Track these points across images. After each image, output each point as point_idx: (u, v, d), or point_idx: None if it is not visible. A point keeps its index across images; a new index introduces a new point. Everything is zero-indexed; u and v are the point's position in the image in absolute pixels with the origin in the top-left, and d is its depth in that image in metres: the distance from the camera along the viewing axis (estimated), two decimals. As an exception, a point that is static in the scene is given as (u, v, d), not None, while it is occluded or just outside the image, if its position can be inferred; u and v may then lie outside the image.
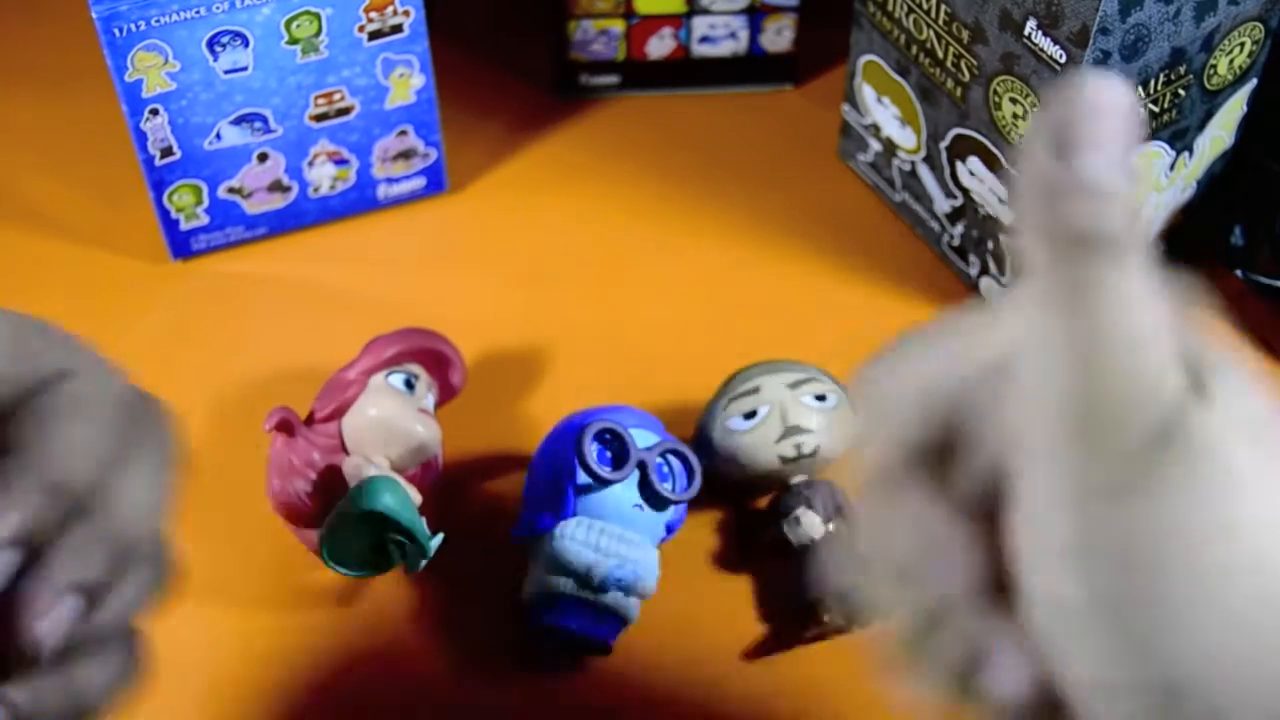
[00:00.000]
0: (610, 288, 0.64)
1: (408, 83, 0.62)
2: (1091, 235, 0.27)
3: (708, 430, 0.55)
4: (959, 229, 0.63)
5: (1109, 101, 0.27)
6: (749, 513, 0.57)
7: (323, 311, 0.63)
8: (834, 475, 0.56)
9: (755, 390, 0.55)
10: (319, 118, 0.62)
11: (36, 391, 0.31)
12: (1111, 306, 0.27)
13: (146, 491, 0.32)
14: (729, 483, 0.56)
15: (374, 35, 0.60)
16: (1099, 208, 0.27)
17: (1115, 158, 0.27)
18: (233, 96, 0.59)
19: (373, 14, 0.59)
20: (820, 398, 0.55)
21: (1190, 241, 0.65)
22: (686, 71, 0.71)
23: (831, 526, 0.53)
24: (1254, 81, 0.60)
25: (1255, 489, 0.26)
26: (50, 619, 0.30)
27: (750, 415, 0.54)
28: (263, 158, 0.62)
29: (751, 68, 0.71)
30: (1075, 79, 0.27)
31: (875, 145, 0.66)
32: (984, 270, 0.62)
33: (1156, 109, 0.56)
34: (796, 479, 0.54)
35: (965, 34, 0.56)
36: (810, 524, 0.53)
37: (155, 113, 0.59)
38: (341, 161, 0.64)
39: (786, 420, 0.54)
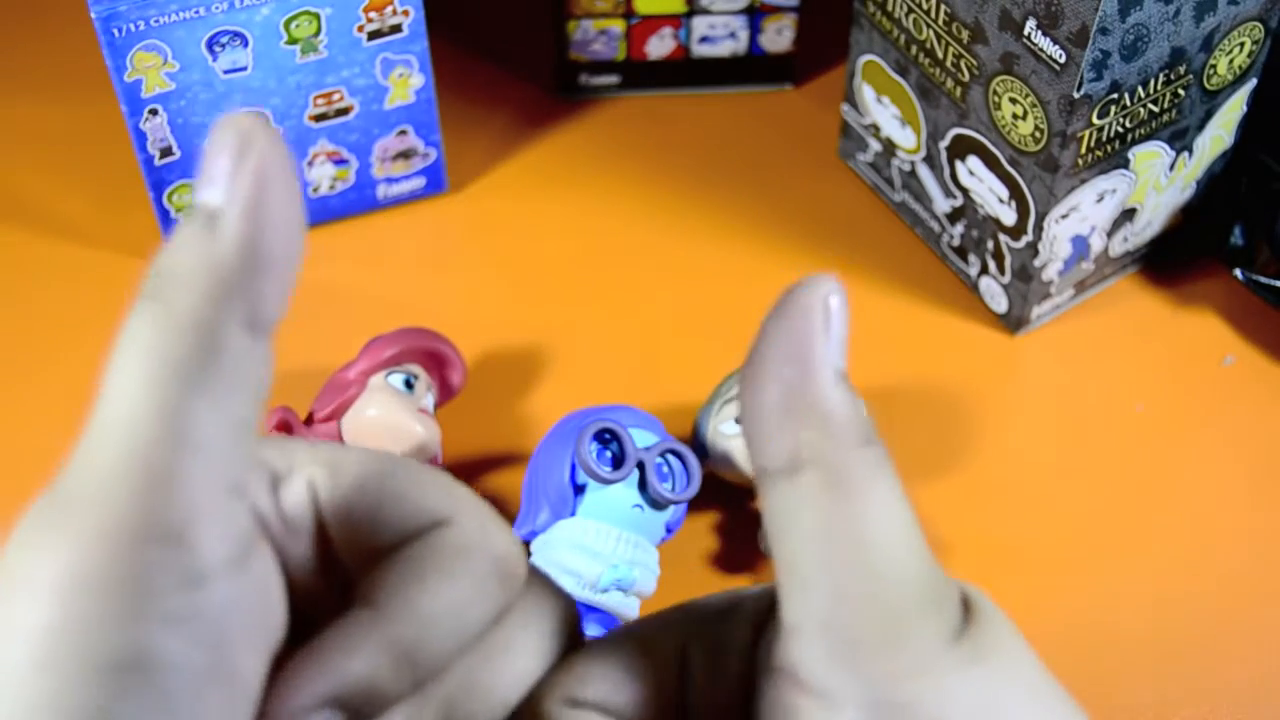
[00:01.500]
0: (610, 288, 0.64)
1: (407, 82, 0.62)
2: (858, 430, 0.25)
3: (701, 433, 0.55)
4: (958, 229, 0.63)
5: (833, 306, 0.25)
6: (748, 514, 0.57)
7: (322, 311, 0.63)
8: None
9: None
10: (318, 118, 0.62)
11: (409, 538, 0.26)
12: (891, 501, 0.25)
13: (510, 678, 0.27)
14: (725, 484, 0.56)
15: (373, 35, 0.60)
16: (851, 409, 0.25)
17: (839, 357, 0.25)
18: (232, 96, 0.59)
19: (372, 14, 0.59)
20: None
21: (1190, 241, 0.65)
22: (686, 71, 0.71)
23: None
24: (1254, 81, 0.60)
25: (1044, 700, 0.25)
26: None
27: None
28: (262, 158, 0.62)
29: (751, 68, 0.71)
30: (798, 290, 0.25)
31: (875, 145, 0.66)
32: (984, 270, 0.62)
33: (1156, 109, 0.56)
34: None
35: (965, 34, 0.56)
36: None
37: (154, 113, 0.59)
38: (341, 161, 0.64)
39: None
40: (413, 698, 0.25)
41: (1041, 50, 0.53)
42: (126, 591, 0.22)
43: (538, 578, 0.28)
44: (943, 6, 0.57)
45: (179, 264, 0.23)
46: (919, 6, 0.58)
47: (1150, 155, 0.58)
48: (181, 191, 0.62)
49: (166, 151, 0.60)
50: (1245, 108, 0.61)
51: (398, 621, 0.25)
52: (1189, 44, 0.54)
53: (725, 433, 0.54)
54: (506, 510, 0.57)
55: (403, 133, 0.64)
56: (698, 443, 0.56)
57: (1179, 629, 0.54)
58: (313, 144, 0.63)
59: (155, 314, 0.23)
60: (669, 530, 0.53)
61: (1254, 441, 0.59)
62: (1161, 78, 0.55)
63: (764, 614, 0.27)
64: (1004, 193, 0.59)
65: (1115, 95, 0.54)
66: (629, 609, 0.50)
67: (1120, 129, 0.55)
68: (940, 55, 0.58)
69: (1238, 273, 0.62)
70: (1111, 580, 0.55)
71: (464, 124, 0.70)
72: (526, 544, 0.52)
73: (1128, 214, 0.60)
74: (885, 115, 0.64)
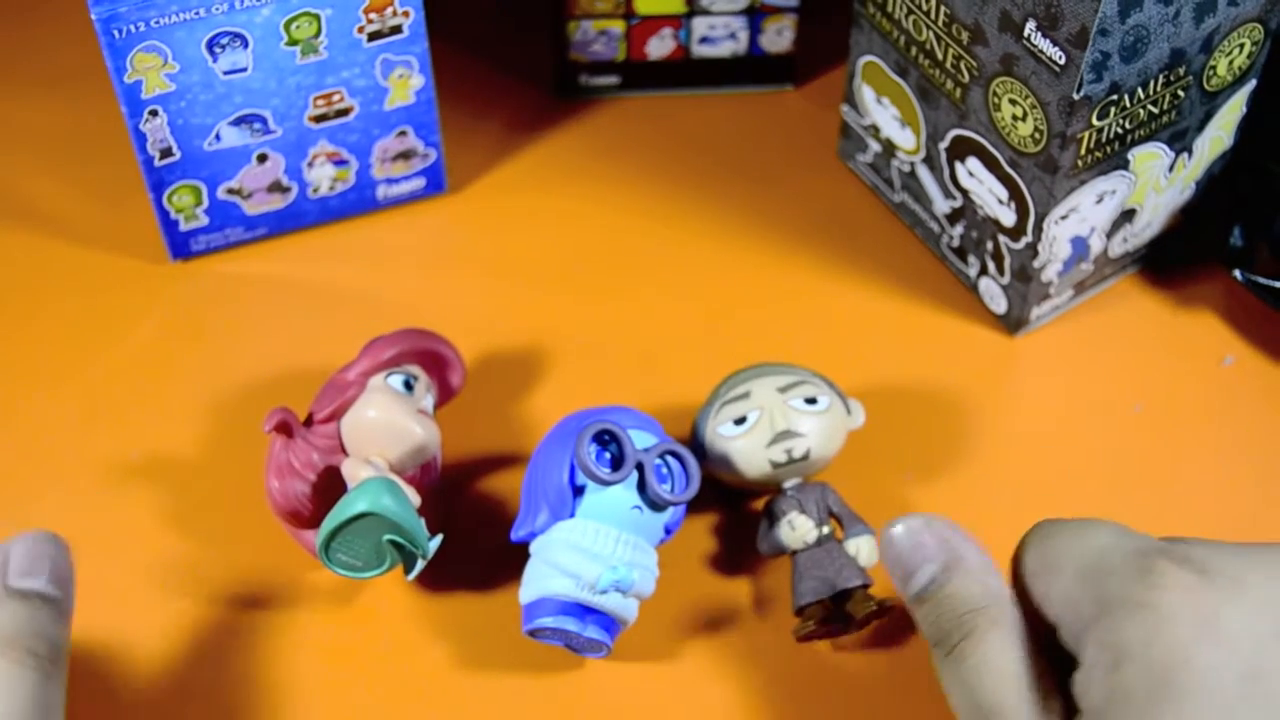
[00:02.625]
0: (610, 288, 0.64)
1: (407, 83, 0.62)
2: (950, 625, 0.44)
3: (700, 435, 0.56)
4: (958, 230, 0.63)
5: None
6: (746, 515, 0.57)
7: (322, 312, 0.63)
8: (827, 477, 0.56)
9: (745, 395, 0.55)
10: (318, 118, 0.62)
11: None
12: (974, 672, 0.43)
13: None
14: (724, 486, 0.56)
15: (373, 36, 0.60)
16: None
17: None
18: (232, 97, 0.59)
19: (372, 15, 0.59)
20: (810, 400, 0.55)
21: (1190, 242, 0.65)
22: (686, 72, 0.71)
23: (825, 530, 0.53)
24: (1253, 82, 0.60)
25: None
26: None
27: (740, 421, 0.54)
28: (262, 158, 0.62)
29: (751, 68, 0.71)
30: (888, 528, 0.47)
31: (875, 146, 0.66)
32: (983, 271, 0.62)
33: (1156, 110, 0.56)
34: (789, 482, 0.54)
35: (965, 35, 0.56)
36: (803, 528, 0.53)
37: (154, 114, 0.59)
38: (341, 162, 0.64)
39: (776, 425, 0.54)
40: None
41: (1041, 51, 0.53)
42: None
43: None
44: (942, 8, 0.57)
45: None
46: (919, 8, 0.58)
47: (1150, 156, 0.58)
48: (181, 192, 0.62)
49: (166, 152, 0.60)
50: (1245, 109, 0.61)
51: None
52: (1189, 45, 0.54)
53: (723, 435, 0.54)
54: (506, 511, 0.57)
55: (403, 133, 0.64)
56: (696, 444, 0.56)
57: (1178, 630, 0.54)
58: (313, 144, 0.63)
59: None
60: (668, 531, 0.53)
61: (1254, 441, 0.59)
62: (1161, 79, 0.55)
63: None
64: (1003, 194, 0.59)
65: (1115, 96, 0.54)
66: (628, 611, 0.50)
67: (1120, 130, 0.55)
68: (940, 56, 0.58)
69: (1237, 273, 0.62)
70: (1110, 581, 0.55)
71: (464, 124, 0.70)
72: (526, 544, 0.52)
73: (1127, 215, 0.60)
74: (885, 116, 0.64)
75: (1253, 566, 0.41)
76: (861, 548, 0.53)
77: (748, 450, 0.54)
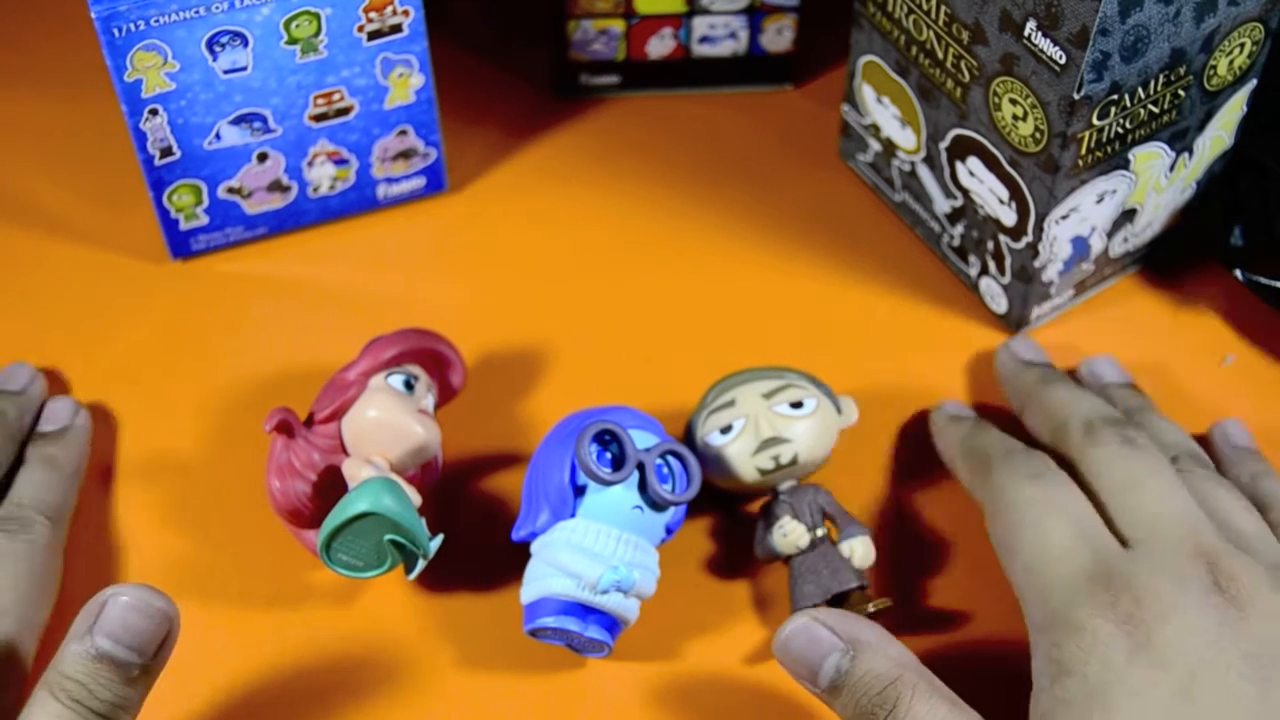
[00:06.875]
0: (610, 288, 0.64)
1: (407, 82, 0.62)
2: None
3: (692, 440, 0.55)
4: (959, 229, 0.63)
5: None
6: (742, 518, 0.57)
7: (322, 312, 0.63)
8: (826, 477, 0.56)
9: (730, 404, 0.55)
10: (318, 118, 0.62)
11: None
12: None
13: None
14: (719, 491, 0.56)
15: (373, 35, 0.60)
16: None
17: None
18: (232, 96, 0.59)
19: (372, 14, 0.59)
20: (796, 405, 0.54)
21: (1190, 242, 0.65)
22: (686, 71, 0.71)
23: (819, 533, 0.53)
24: (1254, 82, 0.60)
25: None
26: None
27: (726, 430, 0.54)
28: (262, 158, 0.62)
29: (751, 68, 0.71)
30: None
31: (875, 145, 0.66)
32: (984, 270, 0.62)
33: (1156, 110, 0.56)
34: (783, 486, 0.54)
35: (965, 35, 0.56)
36: (795, 533, 0.53)
37: (154, 113, 0.59)
38: (341, 161, 0.64)
39: (761, 433, 0.54)
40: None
41: (1042, 51, 0.53)
42: None
43: None
44: (943, 7, 0.57)
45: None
46: (919, 7, 0.58)
47: (1150, 156, 0.58)
48: (181, 191, 0.62)
49: (166, 151, 0.60)
50: (1245, 108, 0.61)
51: None
52: (1189, 45, 0.54)
53: (712, 444, 0.54)
54: (506, 511, 0.57)
55: (403, 133, 0.64)
56: (690, 448, 0.55)
57: (1178, 630, 0.54)
58: (313, 144, 0.63)
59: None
60: (669, 531, 0.53)
61: (1254, 441, 0.59)
62: (1161, 79, 0.55)
63: None
64: (1004, 193, 0.59)
65: (1115, 96, 0.54)
66: (629, 611, 0.50)
67: (1120, 130, 0.55)
68: (940, 56, 0.58)
69: (1238, 273, 0.62)
70: (1111, 581, 0.55)
71: (464, 124, 0.70)
72: (526, 544, 0.52)
73: (1128, 215, 0.60)
74: (885, 115, 0.64)
75: (1184, 590, 0.45)
76: (856, 549, 0.53)
77: (735, 459, 0.54)
